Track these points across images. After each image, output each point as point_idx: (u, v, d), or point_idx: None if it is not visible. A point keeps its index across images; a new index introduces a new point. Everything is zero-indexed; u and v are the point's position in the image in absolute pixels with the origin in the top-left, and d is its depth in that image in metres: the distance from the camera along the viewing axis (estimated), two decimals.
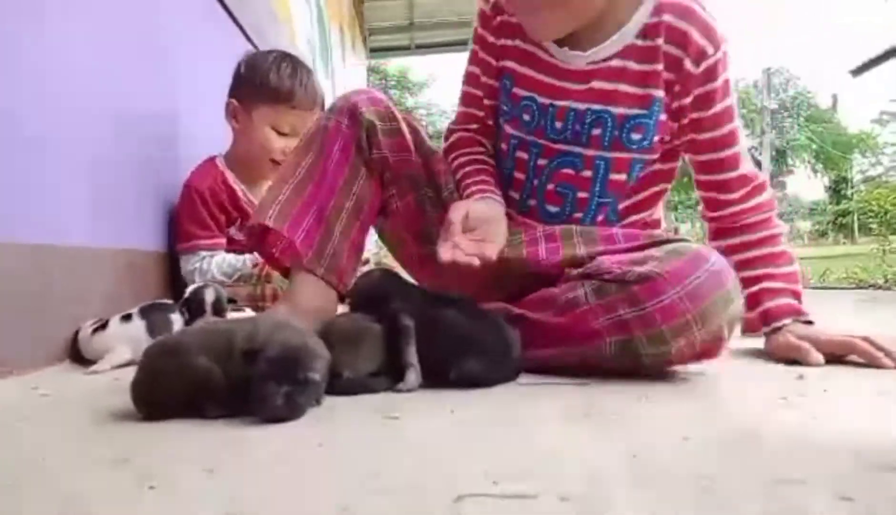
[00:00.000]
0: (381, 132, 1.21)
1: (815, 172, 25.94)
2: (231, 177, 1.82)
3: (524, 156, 1.23)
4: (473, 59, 1.29)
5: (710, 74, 1.11)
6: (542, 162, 1.22)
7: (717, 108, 1.14)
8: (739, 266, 1.12)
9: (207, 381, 0.82)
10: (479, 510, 0.49)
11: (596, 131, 1.16)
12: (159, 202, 1.73)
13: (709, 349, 0.99)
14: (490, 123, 1.30)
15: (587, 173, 1.19)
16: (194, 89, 1.94)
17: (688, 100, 1.13)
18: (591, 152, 1.17)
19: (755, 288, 1.19)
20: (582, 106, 1.15)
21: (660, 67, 1.12)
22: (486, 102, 1.28)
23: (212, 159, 1.83)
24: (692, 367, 1.03)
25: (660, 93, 1.13)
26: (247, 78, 1.79)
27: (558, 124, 1.18)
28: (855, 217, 36.69)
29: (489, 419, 0.78)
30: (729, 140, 1.17)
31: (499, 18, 1.22)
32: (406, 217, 1.28)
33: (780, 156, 24.47)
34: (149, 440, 0.72)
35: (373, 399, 0.91)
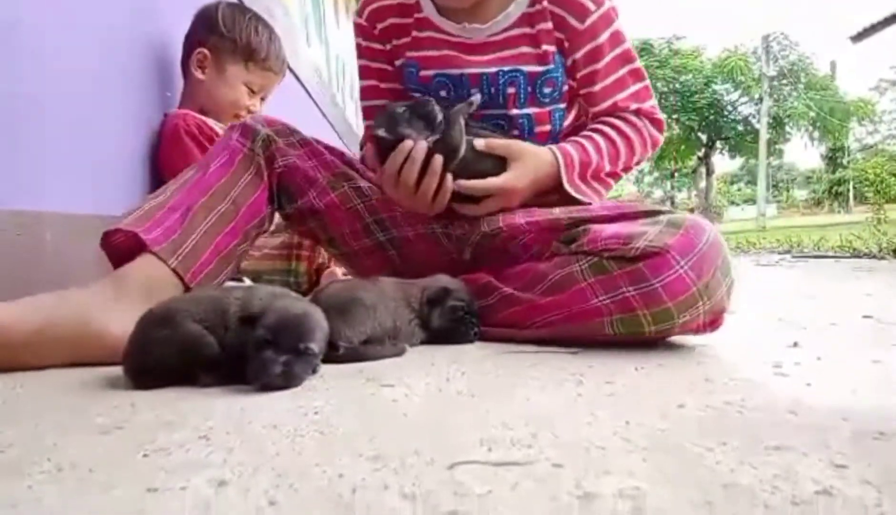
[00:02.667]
0: (283, 144, 1.21)
1: (812, 140, 25.83)
2: (204, 118, 1.78)
3: (479, 123, 1.27)
4: (366, 74, 1.37)
5: (596, 28, 1.22)
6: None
7: (608, 59, 1.23)
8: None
9: (200, 349, 0.82)
10: (473, 477, 0.49)
11: (511, 90, 1.25)
12: (143, 165, 1.69)
13: (713, 321, 0.99)
14: None
15: (515, 132, 1.27)
16: (176, 50, 1.88)
17: (578, 55, 1.24)
18: (513, 111, 1.26)
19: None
20: (493, 69, 1.24)
21: (549, 25, 1.23)
22: None
23: (175, 113, 1.79)
24: (689, 336, 1.03)
25: (553, 48, 1.24)
26: (226, 33, 1.77)
27: (474, 90, 1.26)
28: (850, 186, 36.78)
29: (483, 387, 0.78)
30: (623, 84, 1.27)
31: (378, 26, 1.32)
32: (334, 215, 1.26)
33: (777, 123, 24.31)
34: (141, 407, 0.72)
35: (367, 368, 0.91)
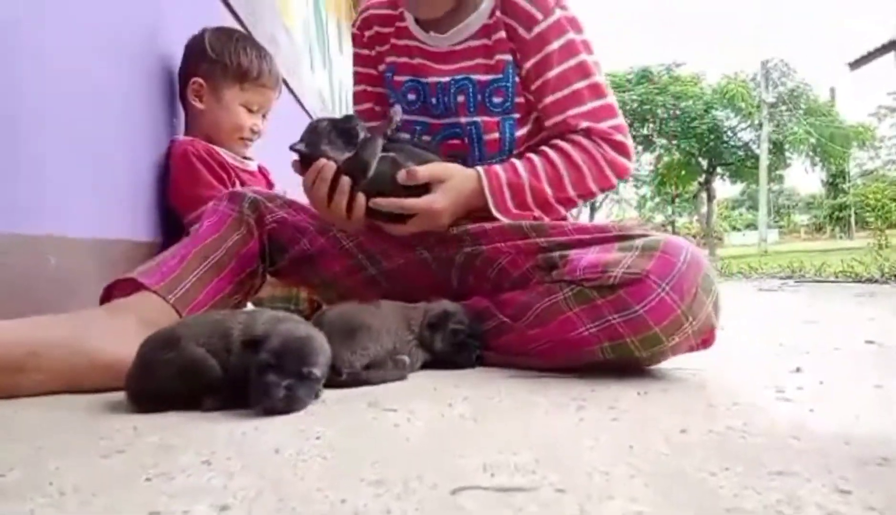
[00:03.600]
0: (270, 202, 1.27)
1: (813, 165, 25.93)
2: (210, 146, 1.80)
3: (406, 136, 1.31)
4: (358, 79, 1.45)
5: (544, 37, 1.22)
6: (426, 138, 1.33)
7: (558, 70, 1.22)
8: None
9: (203, 372, 0.82)
10: (476, 502, 0.49)
11: (460, 98, 1.28)
12: (148, 190, 1.70)
13: (704, 340, 0.99)
14: None
15: (466, 139, 1.30)
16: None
17: (528, 64, 1.24)
18: (463, 119, 1.29)
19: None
20: (446, 78, 1.28)
21: (503, 34, 1.25)
22: (377, 109, 1.43)
23: (184, 139, 1.81)
24: (689, 359, 1.03)
25: (508, 57, 1.25)
26: (216, 58, 1.79)
27: (433, 100, 1.31)
28: (852, 211, 36.82)
29: (485, 412, 0.78)
30: (578, 99, 1.23)
31: (366, 34, 1.40)
32: (326, 257, 1.28)
33: (777, 149, 24.43)
34: (144, 431, 0.72)
35: (369, 392, 0.91)
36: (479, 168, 1.20)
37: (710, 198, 26.06)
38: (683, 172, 25.09)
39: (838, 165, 27.63)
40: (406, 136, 1.29)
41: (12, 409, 0.86)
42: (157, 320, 1.01)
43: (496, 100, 1.27)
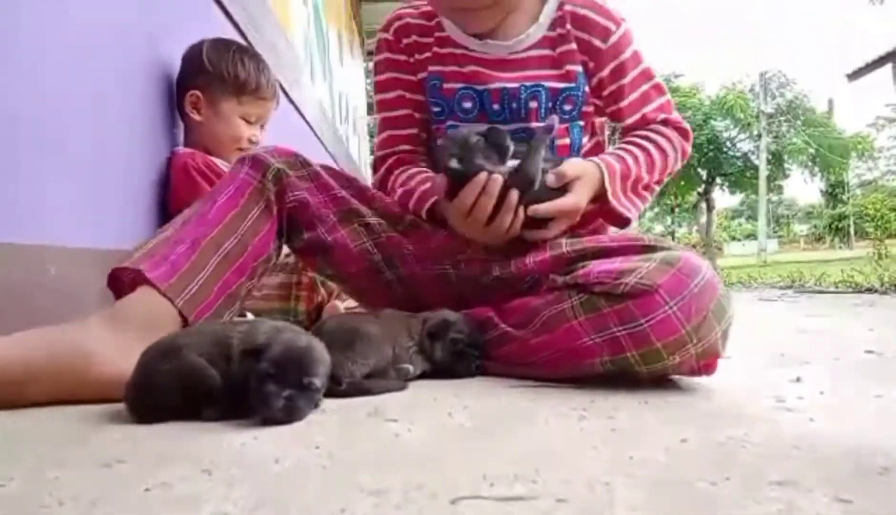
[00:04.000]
0: (295, 177, 1.21)
1: (812, 175, 25.99)
2: (210, 158, 1.81)
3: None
4: (391, 85, 1.38)
5: (618, 47, 1.29)
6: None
7: (632, 75, 1.30)
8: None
9: (203, 382, 0.82)
10: (476, 512, 0.49)
11: (533, 104, 1.28)
12: (147, 200, 1.70)
13: (706, 365, 0.98)
14: (423, 135, 1.39)
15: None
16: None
17: (605, 73, 1.29)
18: (534, 124, 1.29)
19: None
20: (514, 85, 1.28)
21: (573, 46, 1.29)
22: (416, 116, 1.38)
23: (184, 151, 1.81)
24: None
25: (579, 67, 1.29)
26: (213, 71, 1.79)
27: (496, 106, 1.29)
28: (851, 221, 36.88)
29: (486, 422, 0.78)
30: (648, 98, 1.32)
31: (404, 41, 1.37)
32: (342, 252, 1.24)
33: (776, 159, 24.49)
34: (144, 441, 0.72)
35: (369, 402, 0.91)
36: (597, 161, 1.22)
37: (710, 208, 26.09)
38: (682, 183, 25.12)
39: (837, 176, 27.68)
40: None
41: (12, 419, 0.86)
42: (160, 325, 0.99)
43: (566, 107, 1.30)
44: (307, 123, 3.52)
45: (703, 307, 0.93)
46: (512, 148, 1.13)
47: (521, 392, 0.96)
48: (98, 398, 0.93)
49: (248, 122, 1.86)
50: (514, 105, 1.28)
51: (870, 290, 3.92)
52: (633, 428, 0.74)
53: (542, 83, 1.28)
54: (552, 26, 1.30)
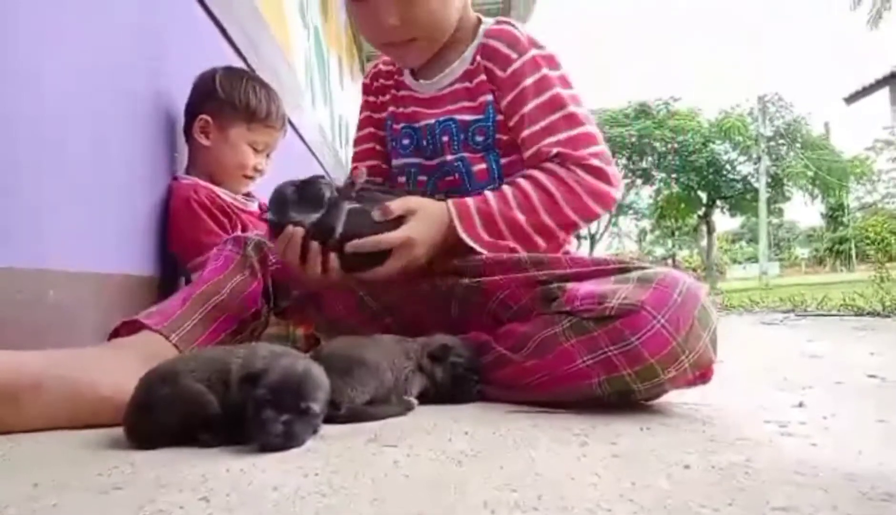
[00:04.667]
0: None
1: (813, 198, 26.08)
2: (214, 188, 1.82)
3: (403, 179, 1.44)
4: (365, 123, 1.55)
5: (517, 75, 1.28)
6: (422, 178, 1.41)
7: (532, 104, 1.27)
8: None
9: (203, 408, 0.81)
10: None
11: (445, 138, 1.35)
12: (146, 225, 1.71)
13: (702, 374, 0.98)
14: (384, 166, 1.52)
15: (457, 175, 1.36)
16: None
17: (505, 102, 1.30)
18: (449, 157, 1.35)
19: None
20: (432, 121, 1.37)
21: (483, 77, 1.33)
22: (378, 149, 1.53)
23: (186, 178, 1.82)
24: (691, 395, 1.03)
25: (489, 97, 1.32)
26: (225, 97, 1.81)
27: (423, 142, 1.38)
28: (852, 244, 36.89)
29: (486, 448, 0.78)
30: (553, 130, 1.25)
31: (374, 85, 1.52)
32: (329, 297, 1.32)
33: (776, 182, 24.60)
34: (141, 467, 0.72)
35: (368, 428, 0.90)
36: (449, 200, 1.23)
37: (710, 231, 26.14)
38: (683, 206, 25.22)
39: (837, 199, 27.77)
40: (378, 181, 1.38)
41: (9, 444, 0.85)
42: (158, 356, 1.00)
43: (478, 138, 1.33)
44: (307, 146, 3.54)
45: (689, 317, 0.94)
46: (328, 195, 1.18)
47: (521, 418, 0.96)
48: (96, 422, 0.93)
49: (255, 149, 1.88)
50: (433, 139, 1.36)
51: (872, 313, 3.90)
52: (634, 454, 0.73)
53: (454, 117, 1.34)
54: (473, 60, 1.35)
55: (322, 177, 1.21)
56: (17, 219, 1.16)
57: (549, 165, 1.23)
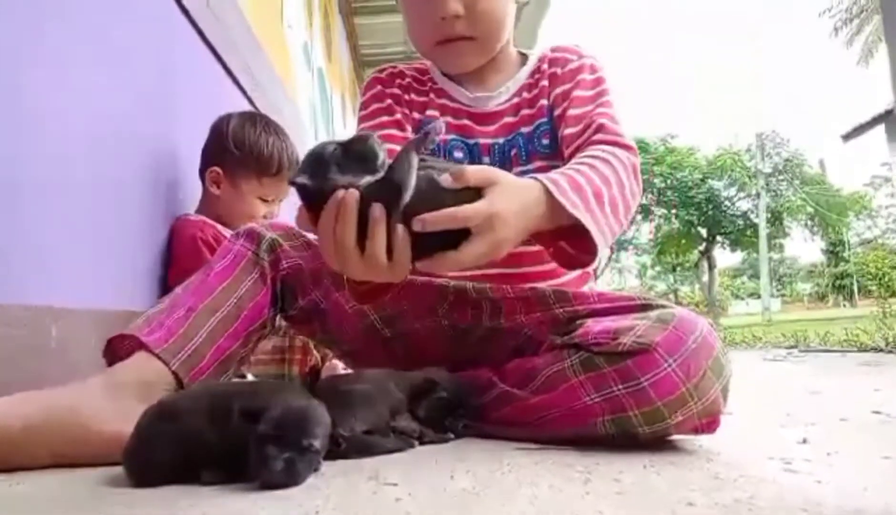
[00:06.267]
0: (289, 246, 1.23)
1: (813, 234, 26.16)
2: (220, 228, 1.83)
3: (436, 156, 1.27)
4: (376, 113, 1.34)
5: (574, 73, 1.30)
6: None
7: (583, 92, 1.27)
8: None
9: (203, 446, 0.81)
10: None
11: (513, 151, 1.32)
12: (150, 262, 1.72)
13: (709, 423, 0.96)
14: None
15: None
16: (192, 148, 1.94)
17: (561, 89, 1.30)
18: (517, 169, 1.30)
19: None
20: (501, 139, 1.33)
21: (545, 82, 1.33)
22: (397, 134, 1.34)
23: (194, 216, 1.83)
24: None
25: (547, 101, 1.32)
26: (235, 150, 1.83)
27: (486, 159, 1.32)
28: (854, 280, 36.86)
29: (488, 485, 0.77)
30: (601, 106, 1.25)
31: (398, 81, 1.39)
32: (338, 314, 1.24)
33: (775, 218, 24.71)
34: (141, 506, 0.71)
35: (368, 465, 0.89)
36: (533, 174, 1.07)
37: (711, 267, 26.15)
38: (683, 241, 25.30)
39: (837, 235, 27.87)
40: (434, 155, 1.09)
41: (7, 482, 0.85)
42: (156, 387, 1.00)
43: (545, 142, 1.31)
44: None
45: (701, 365, 0.92)
46: (382, 156, 0.90)
47: (523, 455, 0.95)
48: (96, 460, 0.92)
49: (265, 200, 1.89)
50: (500, 155, 1.32)
51: (875, 349, 3.88)
52: (639, 491, 0.73)
53: (521, 130, 1.33)
54: (531, 74, 1.36)
55: (373, 135, 0.93)
56: (20, 255, 1.17)
57: (599, 146, 1.16)
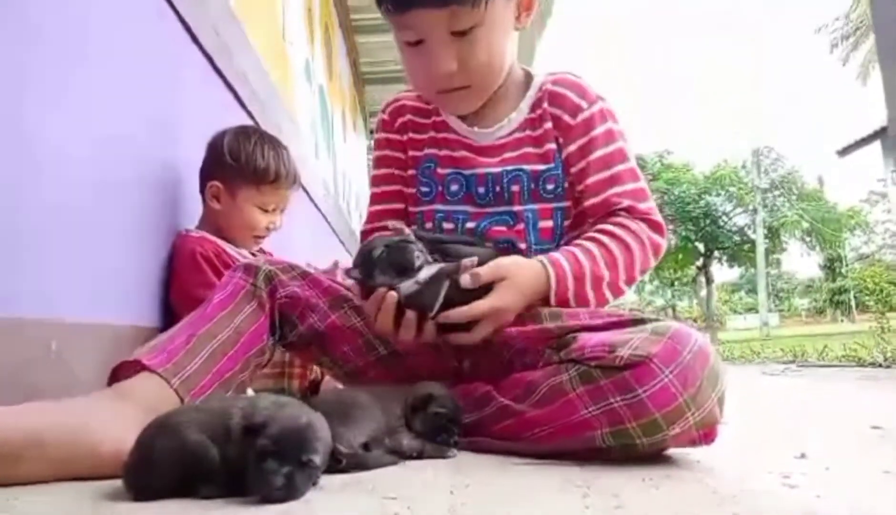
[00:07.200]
0: (285, 277, 1.26)
1: (810, 249, 26.23)
2: (222, 243, 1.83)
3: (450, 225, 1.35)
4: (383, 162, 1.46)
5: (589, 123, 1.29)
6: (470, 225, 1.34)
7: (600, 153, 1.28)
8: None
9: (204, 461, 0.81)
10: None
11: (515, 188, 1.31)
12: (151, 277, 1.72)
13: (707, 433, 0.97)
14: (409, 210, 1.43)
15: (520, 226, 1.31)
16: (194, 167, 1.95)
17: (572, 148, 1.30)
18: (517, 208, 1.31)
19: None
20: (497, 170, 1.32)
21: (549, 125, 1.32)
22: (405, 191, 1.43)
23: (195, 232, 1.84)
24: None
25: (554, 146, 1.31)
26: (232, 162, 1.83)
27: (481, 189, 1.33)
28: (852, 295, 36.90)
29: (487, 500, 0.77)
30: (617, 180, 1.27)
31: (399, 121, 1.44)
32: (335, 335, 1.28)
33: (773, 234, 24.78)
34: None
35: (367, 479, 0.89)
36: (543, 259, 1.19)
37: (709, 282, 26.18)
38: (681, 256, 25.33)
39: (834, 250, 27.95)
40: (449, 227, 1.33)
41: (8, 497, 0.84)
42: (158, 405, 0.99)
43: (549, 187, 1.31)
44: (311, 200, 3.59)
45: (698, 375, 0.93)
46: (418, 263, 1.14)
47: (522, 469, 0.95)
48: (97, 474, 0.92)
49: (265, 210, 1.89)
50: (498, 189, 1.32)
51: (873, 364, 3.89)
52: (637, 506, 0.73)
53: (523, 167, 1.31)
54: (532, 108, 1.34)
55: (412, 241, 1.17)
56: (21, 269, 1.18)
57: (622, 220, 1.24)
